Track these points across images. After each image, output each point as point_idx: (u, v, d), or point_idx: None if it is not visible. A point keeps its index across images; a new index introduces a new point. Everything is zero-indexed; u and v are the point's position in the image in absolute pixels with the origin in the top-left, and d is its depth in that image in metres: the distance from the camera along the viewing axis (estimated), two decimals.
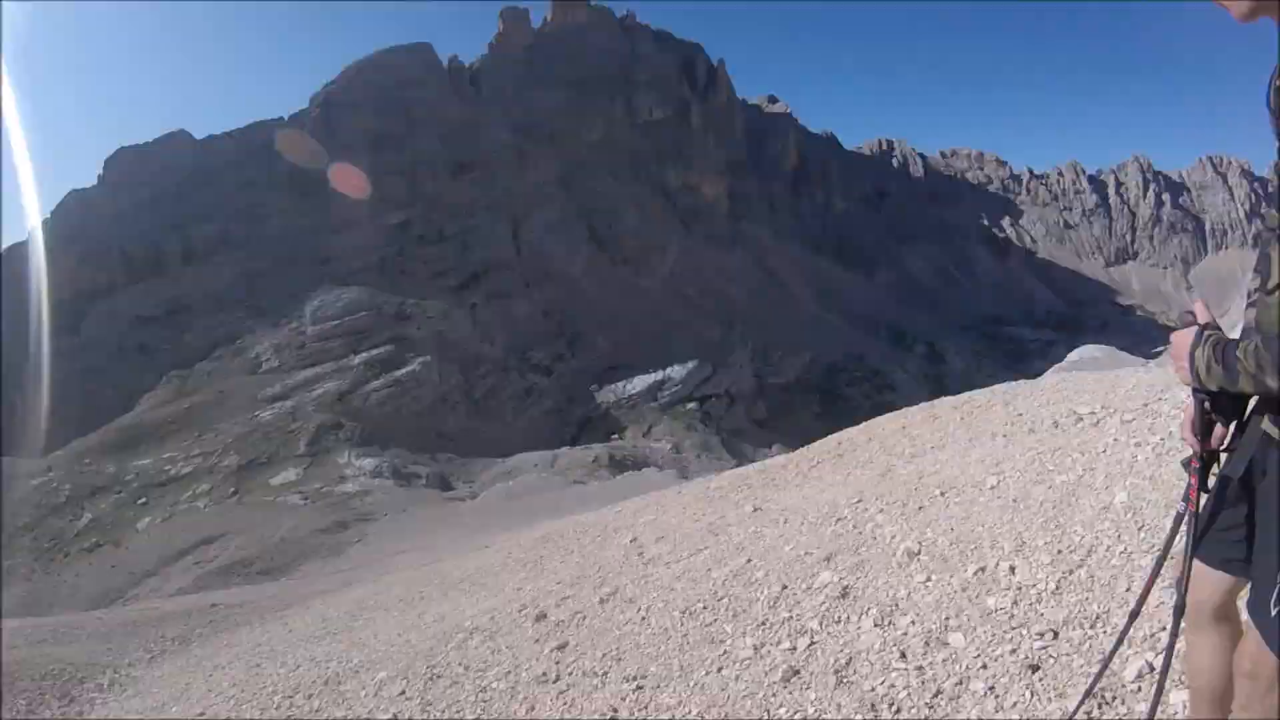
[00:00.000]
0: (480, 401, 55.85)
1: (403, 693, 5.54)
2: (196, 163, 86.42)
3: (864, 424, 9.56)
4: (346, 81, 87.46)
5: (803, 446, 9.91)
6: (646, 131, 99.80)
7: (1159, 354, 27.73)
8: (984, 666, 3.33)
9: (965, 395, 9.21)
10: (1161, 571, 2.19)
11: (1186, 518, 1.93)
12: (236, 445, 44.87)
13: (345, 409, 48.42)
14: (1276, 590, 1.66)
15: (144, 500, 40.92)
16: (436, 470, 42.38)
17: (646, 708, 4.13)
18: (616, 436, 52.77)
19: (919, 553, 4.51)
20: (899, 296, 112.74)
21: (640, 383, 60.39)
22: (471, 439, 50.42)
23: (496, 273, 72.61)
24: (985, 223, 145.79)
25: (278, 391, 51.49)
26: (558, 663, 5.13)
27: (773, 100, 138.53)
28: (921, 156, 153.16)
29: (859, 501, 5.87)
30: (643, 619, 5.34)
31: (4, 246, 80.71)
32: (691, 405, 57.84)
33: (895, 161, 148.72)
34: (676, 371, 60.83)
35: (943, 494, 5.35)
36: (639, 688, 4.37)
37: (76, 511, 40.55)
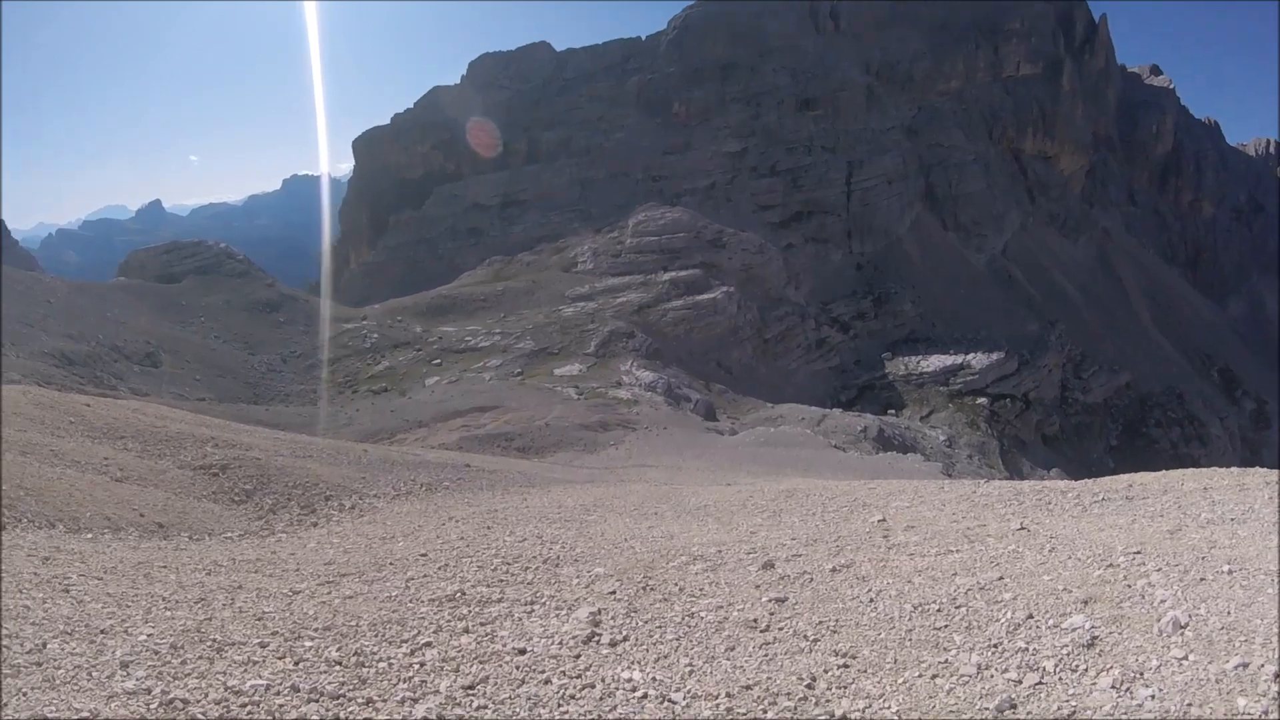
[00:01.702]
0: (770, 342, 55.94)
1: (613, 592, 5.74)
2: (553, 72, 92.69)
3: (1163, 473, 8.59)
4: (706, 5, 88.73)
5: (1085, 478, 9.15)
6: (1009, 88, 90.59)
7: None
8: None
9: None
10: None
11: None
12: (534, 332, 47.86)
13: (641, 320, 50.35)
14: None
15: (438, 362, 44.42)
16: (706, 399, 43.18)
17: (846, 687, 4.14)
18: (893, 412, 50.75)
19: (1185, 626, 4.08)
20: (1244, 337, 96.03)
21: (936, 362, 57.26)
22: (749, 377, 50.88)
23: (820, 216, 71.32)
24: None
25: (584, 292, 54.60)
26: (771, 614, 5.20)
27: (1155, 71, 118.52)
28: None
29: (1138, 554, 5.36)
30: (870, 600, 5.29)
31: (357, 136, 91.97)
32: (982, 400, 53.91)
33: None
34: (978, 360, 56.76)
35: (1230, 572, 4.75)
36: (845, 665, 4.37)
37: (376, 358, 44.74)
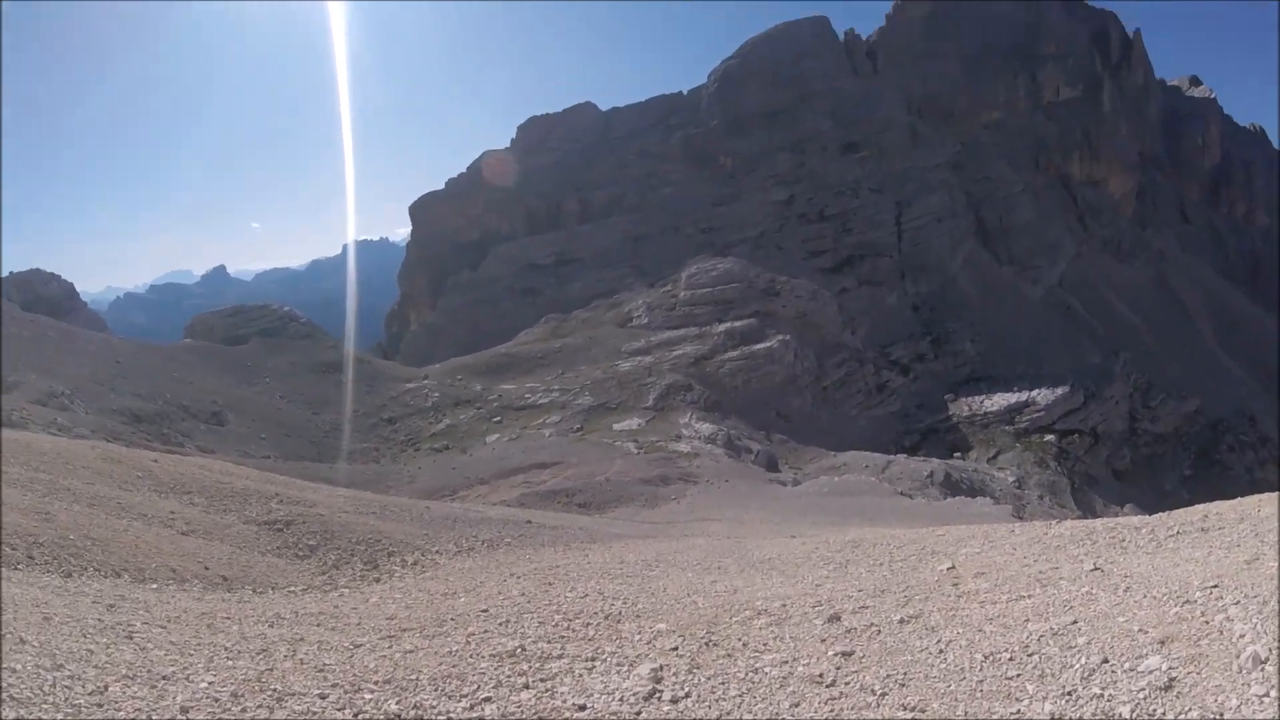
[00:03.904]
0: (829, 389, 55.41)
1: (675, 648, 5.67)
2: (600, 132, 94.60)
3: (1238, 500, 8.23)
4: (744, 56, 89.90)
5: (1160, 511, 8.83)
6: (1051, 113, 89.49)
7: None
8: None
9: None
10: None
11: None
12: (592, 388, 48.24)
13: (698, 373, 50.36)
14: None
15: (498, 419, 45.10)
16: (767, 449, 42.80)
17: None
18: (959, 455, 49.62)
19: (1266, 661, 3.89)
20: None
21: (1000, 400, 55.99)
22: (810, 425, 50.32)
23: (872, 259, 70.84)
24: None
25: (641, 346, 54.84)
26: (838, 668, 5.07)
27: (1195, 82, 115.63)
28: None
29: (1215, 587, 5.14)
30: (940, 651, 5.13)
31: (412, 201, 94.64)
32: (1050, 437, 52.44)
33: None
34: (1043, 396, 55.33)
35: None
36: (914, 719, 4.24)
37: (437, 417, 45.53)
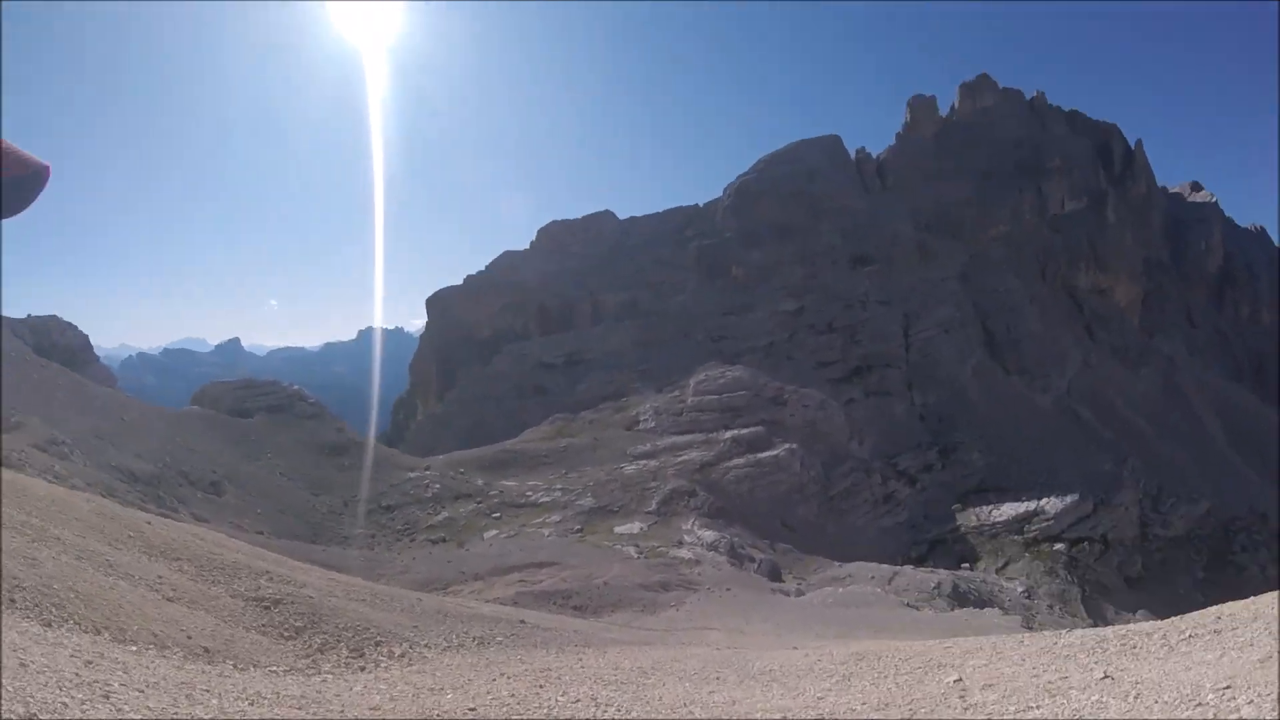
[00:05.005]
0: (835, 499, 54.88)
1: None
2: (617, 238, 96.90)
3: (1251, 599, 8.07)
4: (759, 172, 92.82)
5: (1172, 617, 8.63)
6: (1057, 225, 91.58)
7: None
8: None
9: None
10: None
11: None
12: (595, 489, 47.83)
13: (703, 479, 50.05)
14: None
15: (498, 515, 44.62)
16: (771, 558, 42.13)
17: None
18: (967, 566, 48.73)
19: None
20: None
21: (1008, 510, 55.27)
22: (815, 535, 49.64)
23: (880, 369, 71.31)
24: None
25: (647, 450, 54.69)
26: None
27: (1196, 188, 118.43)
28: None
29: (1228, 688, 4.99)
30: None
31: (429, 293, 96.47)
32: (1060, 546, 51.58)
33: None
34: (1052, 505, 54.64)
35: None
36: None
37: (436, 508, 45.03)
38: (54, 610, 7.22)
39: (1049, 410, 75.00)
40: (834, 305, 77.00)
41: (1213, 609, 8.18)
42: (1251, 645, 6.30)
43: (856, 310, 76.34)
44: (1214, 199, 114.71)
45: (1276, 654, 5.69)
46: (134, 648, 7.32)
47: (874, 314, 75.81)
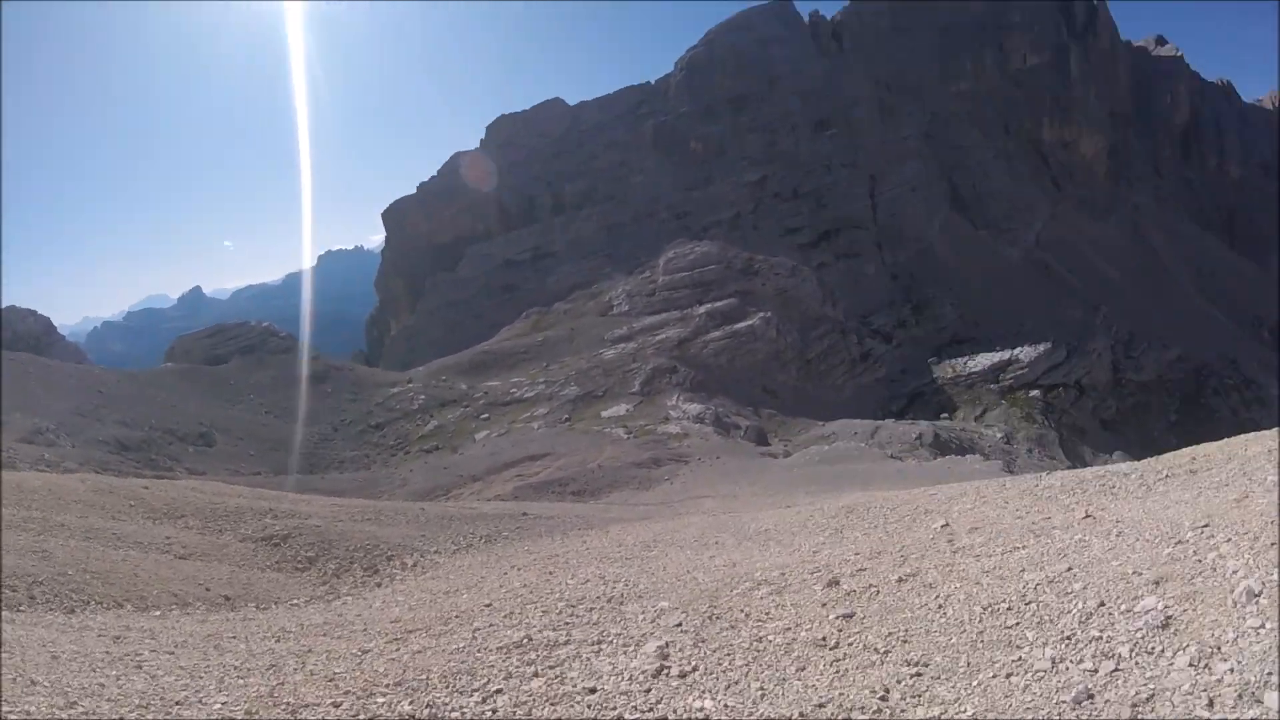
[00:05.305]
0: (813, 362, 55.67)
1: (679, 624, 5.71)
2: (569, 126, 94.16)
3: (1225, 441, 8.34)
4: (709, 43, 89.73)
5: (1148, 458, 8.94)
6: (1019, 81, 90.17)
7: None
8: None
9: None
10: None
11: None
12: (578, 378, 48.30)
13: (682, 355, 50.49)
14: None
15: (486, 416, 45.10)
16: (756, 424, 42.99)
17: (920, 696, 4.06)
18: (946, 416, 50.00)
19: (1260, 594, 3.93)
20: None
21: (983, 360, 56.47)
22: (797, 398, 50.57)
23: (848, 232, 71.26)
24: None
25: (624, 333, 54.91)
26: (840, 630, 5.13)
27: (1161, 42, 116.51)
28: None
29: (1206, 526, 5.19)
30: (939, 606, 5.19)
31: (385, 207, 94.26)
32: (1035, 393, 52.91)
33: None
34: (1026, 353, 55.86)
35: None
36: (918, 674, 4.29)
37: (425, 419, 45.44)
38: (74, 596, 7.33)
39: (1018, 262, 75.72)
40: (797, 172, 76.04)
41: (1187, 450, 8.46)
42: (1227, 485, 6.53)
43: (820, 175, 75.48)
44: (1179, 53, 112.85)
45: (1251, 493, 5.94)
46: (157, 612, 7.48)
47: (839, 177, 75.05)
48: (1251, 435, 8.28)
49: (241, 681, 4.94)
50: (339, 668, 5.29)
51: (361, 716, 4.33)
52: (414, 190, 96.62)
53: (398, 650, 5.73)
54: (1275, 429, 8.32)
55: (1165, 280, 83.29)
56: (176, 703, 4.44)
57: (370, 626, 6.67)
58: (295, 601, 8.60)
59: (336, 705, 4.48)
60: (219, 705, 4.42)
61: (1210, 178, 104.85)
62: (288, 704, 4.46)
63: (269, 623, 7.11)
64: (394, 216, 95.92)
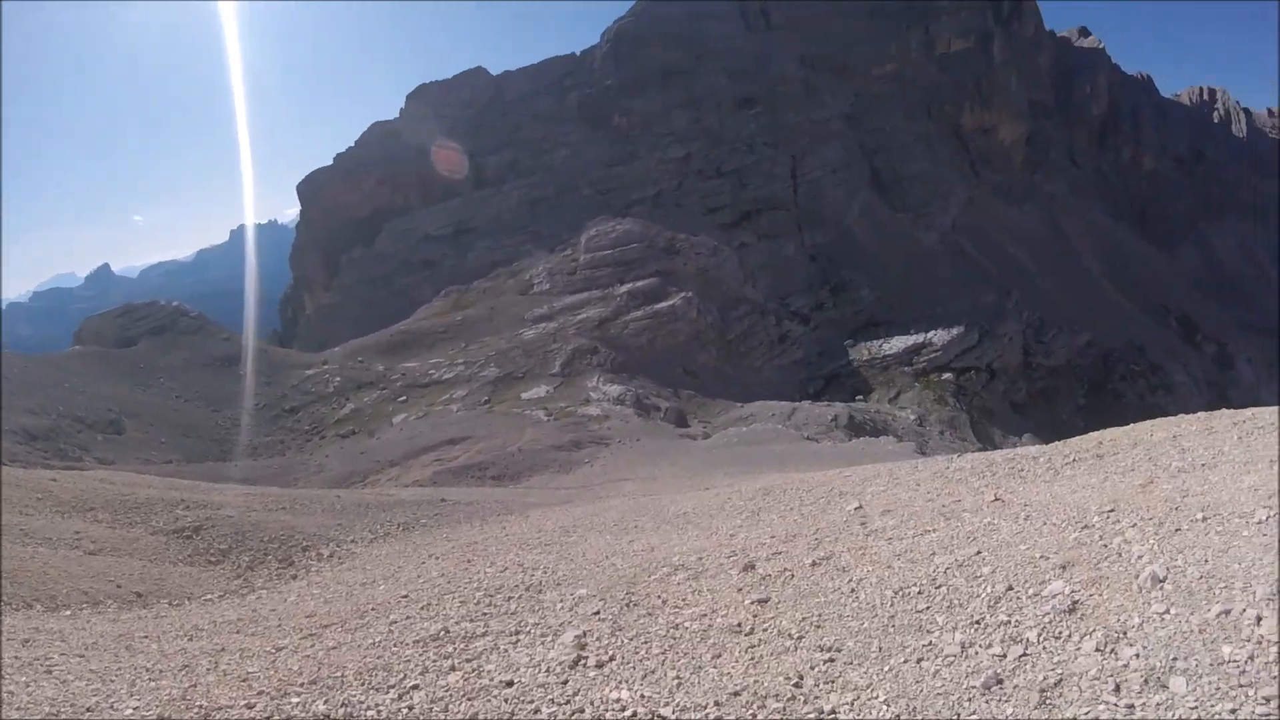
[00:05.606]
0: (733, 343, 56.13)
1: (597, 612, 5.74)
2: (492, 97, 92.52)
3: (1131, 426, 8.72)
4: (638, 14, 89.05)
5: (1056, 441, 9.30)
6: (944, 65, 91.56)
7: None
8: None
9: (1250, 411, 8.09)
10: None
11: None
12: (497, 359, 47.69)
13: (603, 335, 50.31)
14: None
15: (404, 399, 44.23)
16: (676, 406, 43.25)
17: (834, 681, 4.17)
18: (861, 398, 51.15)
19: (1164, 580, 4.16)
20: (1198, 282, 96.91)
21: (898, 343, 57.72)
22: (717, 379, 51.01)
23: (769, 212, 71.51)
24: None
25: (544, 313, 54.44)
26: (755, 615, 5.23)
27: (1084, 33, 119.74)
28: (1247, 113, 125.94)
29: (1111, 511, 5.44)
30: (852, 590, 5.33)
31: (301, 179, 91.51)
32: (947, 375, 54.43)
33: (1217, 115, 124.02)
34: (939, 336, 57.30)
35: (1204, 519, 4.83)
36: (830, 660, 4.40)
37: (340, 401, 44.33)
38: None
39: (935, 246, 77.18)
40: (721, 150, 76.18)
41: (1094, 434, 8.82)
42: (1133, 471, 6.84)
43: (743, 154, 75.67)
44: (1101, 45, 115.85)
45: (1156, 479, 6.24)
46: (68, 612, 7.21)
47: (761, 157, 75.37)
48: (1157, 421, 8.68)
49: (154, 684, 4.79)
50: (253, 667, 5.18)
51: (276, 717, 4.26)
52: (330, 161, 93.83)
53: (312, 647, 5.64)
54: (1179, 415, 8.74)
55: (1077, 268, 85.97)
56: (88, 709, 4.30)
57: (285, 622, 6.54)
58: (209, 597, 8.35)
59: (250, 707, 4.39)
60: (130, 710, 4.28)
61: (1125, 169, 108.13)
62: (201, 707, 4.35)
63: (182, 620, 6.91)
64: (309, 189, 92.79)
